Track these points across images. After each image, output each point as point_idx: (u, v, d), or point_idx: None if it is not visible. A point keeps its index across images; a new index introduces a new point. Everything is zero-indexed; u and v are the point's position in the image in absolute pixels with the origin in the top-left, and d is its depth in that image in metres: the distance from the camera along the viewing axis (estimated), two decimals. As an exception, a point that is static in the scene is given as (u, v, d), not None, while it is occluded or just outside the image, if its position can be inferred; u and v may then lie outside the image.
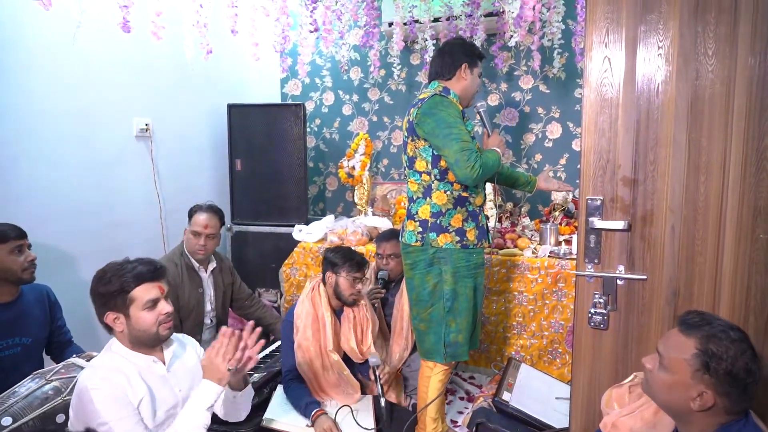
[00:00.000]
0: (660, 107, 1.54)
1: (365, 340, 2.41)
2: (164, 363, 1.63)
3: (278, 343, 2.92)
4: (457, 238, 2.11)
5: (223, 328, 1.58)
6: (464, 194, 2.13)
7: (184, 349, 1.74)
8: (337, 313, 2.38)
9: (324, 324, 2.32)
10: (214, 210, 2.73)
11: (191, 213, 2.72)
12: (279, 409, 2.28)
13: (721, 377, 1.21)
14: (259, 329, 1.60)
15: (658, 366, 1.30)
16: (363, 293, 2.40)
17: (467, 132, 2.05)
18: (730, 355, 1.21)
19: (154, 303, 1.56)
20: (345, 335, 2.35)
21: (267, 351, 2.74)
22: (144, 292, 1.55)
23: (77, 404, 1.49)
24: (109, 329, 1.59)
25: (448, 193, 2.11)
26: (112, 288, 1.53)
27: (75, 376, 1.68)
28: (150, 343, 1.60)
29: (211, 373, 1.53)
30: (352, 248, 2.43)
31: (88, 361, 1.82)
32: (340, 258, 2.33)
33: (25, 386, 1.70)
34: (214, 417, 1.64)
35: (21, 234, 2.09)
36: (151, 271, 1.58)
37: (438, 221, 2.12)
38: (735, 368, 1.21)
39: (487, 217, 3.24)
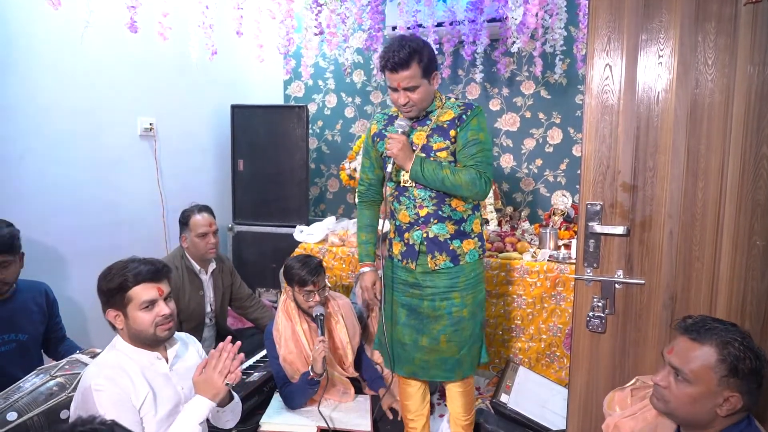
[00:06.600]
0: (660, 115, 1.56)
1: (346, 359, 2.42)
2: (167, 361, 1.65)
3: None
4: None
5: (221, 344, 1.58)
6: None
7: (187, 348, 1.76)
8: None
9: (300, 336, 2.34)
10: (206, 208, 2.80)
11: (187, 218, 2.73)
12: (276, 413, 2.30)
13: (748, 377, 1.22)
14: (238, 343, 1.60)
15: (675, 381, 1.28)
16: (323, 299, 2.33)
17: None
18: (749, 355, 1.22)
19: (151, 304, 1.55)
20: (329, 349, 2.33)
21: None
22: (141, 292, 1.54)
23: (80, 402, 1.51)
24: (114, 326, 1.61)
25: None
26: (112, 285, 1.54)
27: (79, 373, 1.69)
28: (148, 343, 1.60)
29: (205, 389, 1.53)
30: (307, 257, 2.34)
31: (92, 357, 1.84)
32: (288, 276, 2.32)
33: (30, 382, 1.71)
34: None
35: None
36: (150, 272, 1.57)
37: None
38: (756, 364, 1.22)
39: (487, 221, 3.25)
